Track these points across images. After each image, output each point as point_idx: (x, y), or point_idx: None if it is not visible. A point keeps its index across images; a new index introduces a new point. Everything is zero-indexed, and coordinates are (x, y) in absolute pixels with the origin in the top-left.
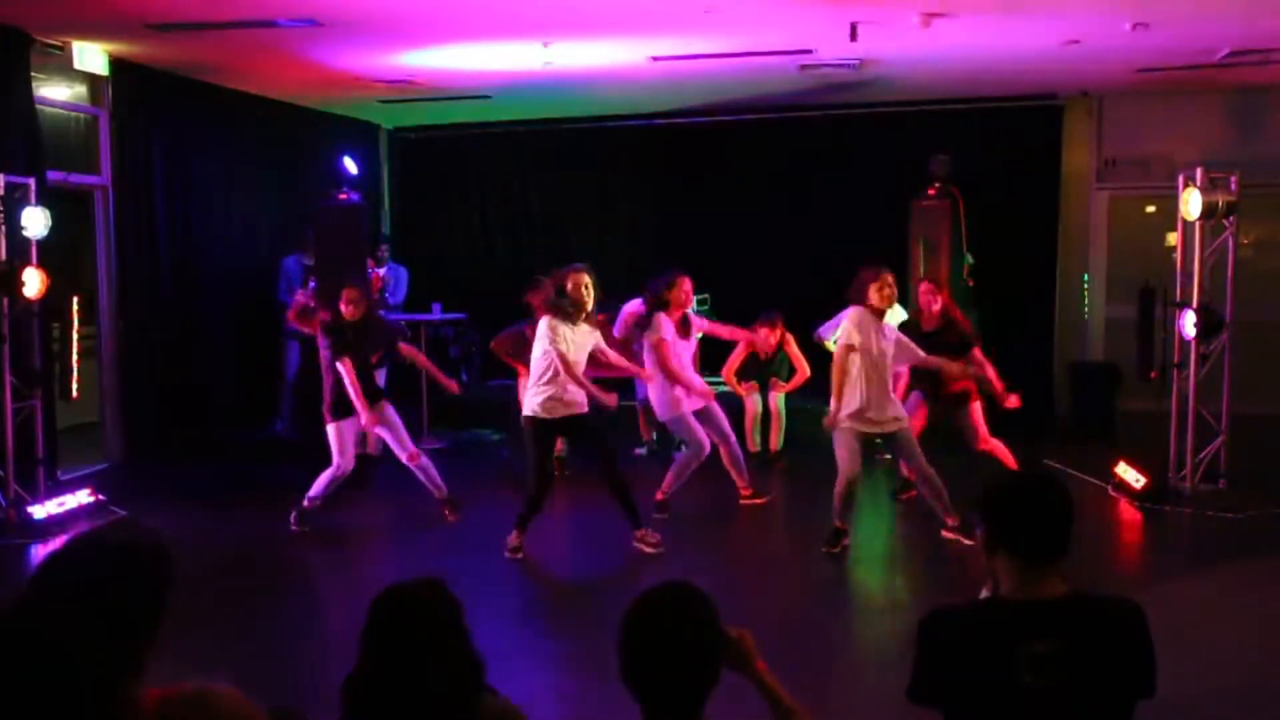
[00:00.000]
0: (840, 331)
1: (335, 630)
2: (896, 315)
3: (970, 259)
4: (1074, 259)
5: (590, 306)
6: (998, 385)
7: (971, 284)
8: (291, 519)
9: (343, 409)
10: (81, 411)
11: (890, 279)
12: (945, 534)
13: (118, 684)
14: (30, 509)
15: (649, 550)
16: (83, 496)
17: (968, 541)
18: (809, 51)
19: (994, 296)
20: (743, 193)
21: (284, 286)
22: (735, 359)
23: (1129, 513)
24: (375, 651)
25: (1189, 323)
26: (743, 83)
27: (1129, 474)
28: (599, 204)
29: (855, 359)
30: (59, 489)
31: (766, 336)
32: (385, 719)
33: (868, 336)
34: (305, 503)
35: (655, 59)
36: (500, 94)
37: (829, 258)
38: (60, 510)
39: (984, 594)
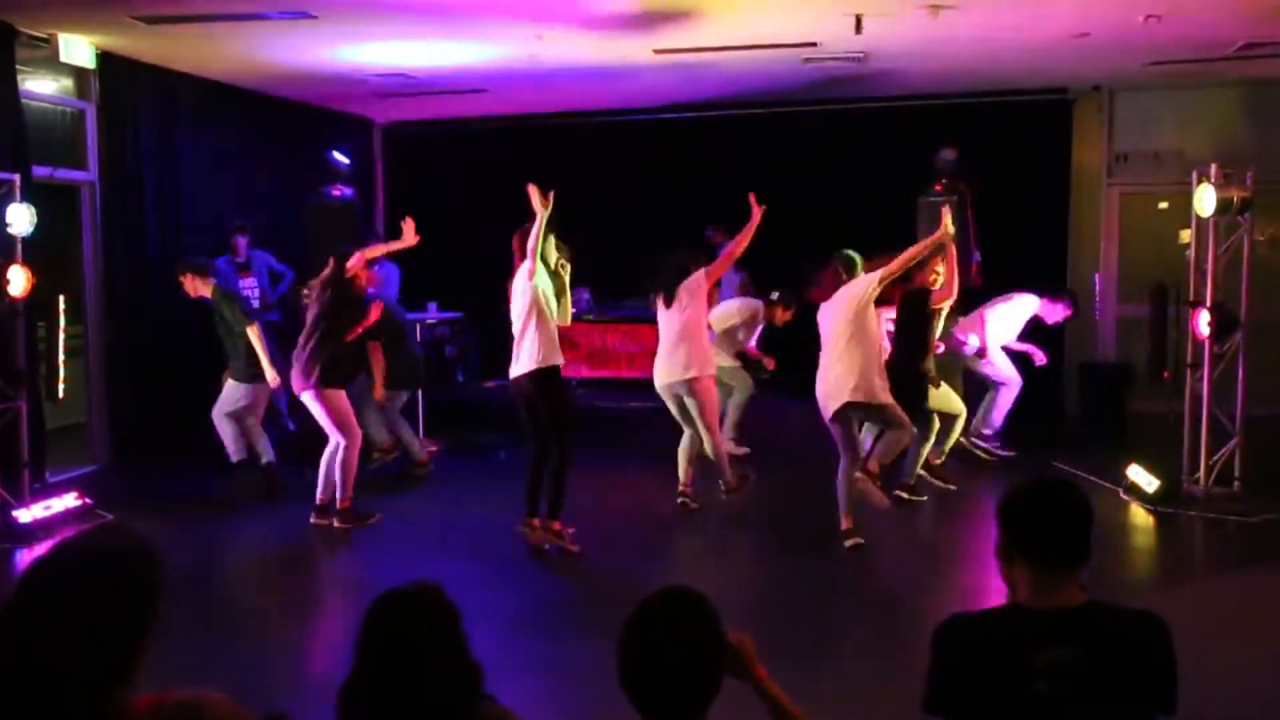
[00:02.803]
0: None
1: (327, 635)
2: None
3: (978, 256)
4: (1085, 256)
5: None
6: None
7: (980, 281)
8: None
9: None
10: (68, 413)
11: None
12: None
13: (106, 692)
14: (15, 513)
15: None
16: (69, 500)
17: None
18: (813, 44)
19: (1003, 294)
20: (746, 187)
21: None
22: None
23: (1141, 517)
24: (371, 657)
25: (1203, 322)
26: (746, 76)
27: (1141, 477)
28: (599, 200)
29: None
30: (45, 492)
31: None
32: None
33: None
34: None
35: (658, 51)
36: (495, 88)
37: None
38: (46, 514)
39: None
